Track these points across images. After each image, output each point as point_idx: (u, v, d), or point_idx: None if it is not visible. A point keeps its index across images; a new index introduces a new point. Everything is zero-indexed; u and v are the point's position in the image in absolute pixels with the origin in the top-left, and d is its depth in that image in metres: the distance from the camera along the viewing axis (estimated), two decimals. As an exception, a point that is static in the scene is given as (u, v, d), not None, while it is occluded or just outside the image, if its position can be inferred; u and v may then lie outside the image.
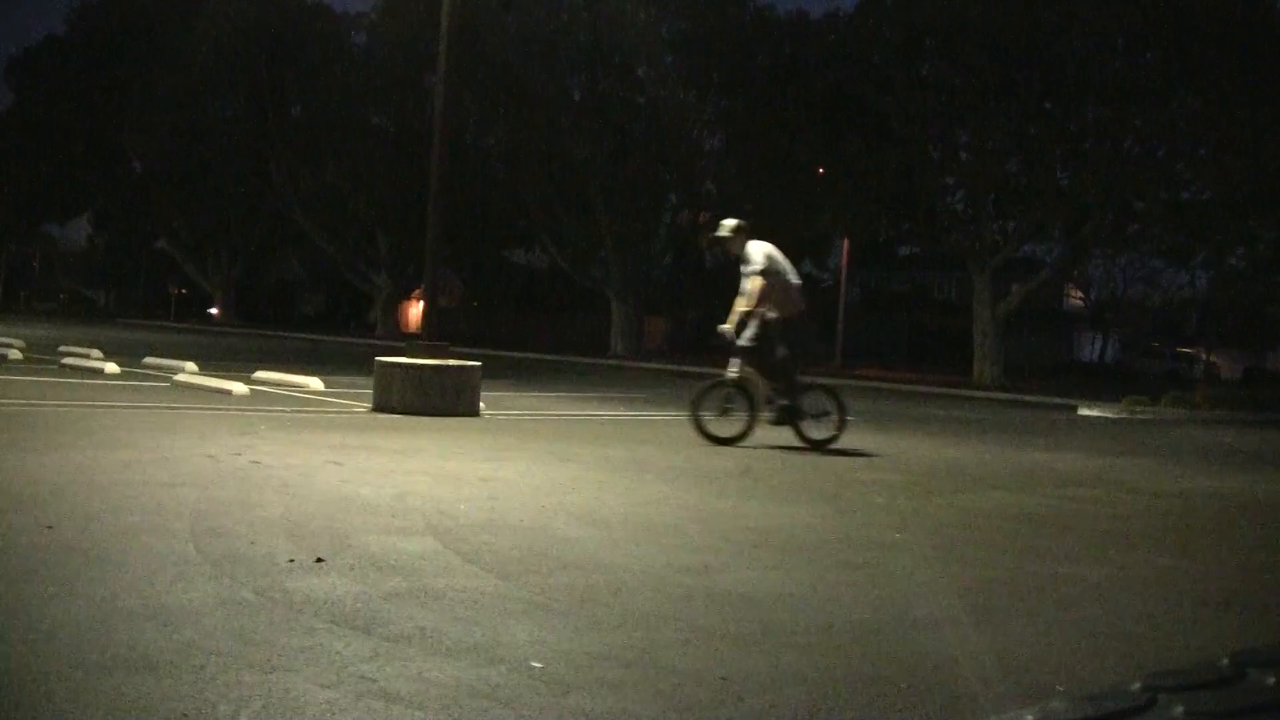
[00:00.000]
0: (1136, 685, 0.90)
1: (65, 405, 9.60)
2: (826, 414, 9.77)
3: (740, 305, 9.54)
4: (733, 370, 9.55)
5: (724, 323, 9.67)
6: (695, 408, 9.61)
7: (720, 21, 34.44)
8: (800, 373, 9.86)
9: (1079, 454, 11.55)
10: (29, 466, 5.96)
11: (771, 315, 9.46)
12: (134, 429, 8.03)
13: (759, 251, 9.59)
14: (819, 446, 9.55)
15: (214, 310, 52.88)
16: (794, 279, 9.75)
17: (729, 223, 9.98)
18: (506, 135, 38.75)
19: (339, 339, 37.12)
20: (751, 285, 9.49)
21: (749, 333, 9.49)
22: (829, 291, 50.03)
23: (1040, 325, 49.23)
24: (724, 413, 9.62)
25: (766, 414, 9.60)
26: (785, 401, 9.55)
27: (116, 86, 45.02)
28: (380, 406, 10.81)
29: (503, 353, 30.78)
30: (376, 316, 47.60)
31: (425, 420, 10.09)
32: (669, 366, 30.30)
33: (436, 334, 11.57)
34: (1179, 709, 0.85)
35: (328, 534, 4.67)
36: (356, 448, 7.70)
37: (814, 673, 3.19)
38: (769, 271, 9.47)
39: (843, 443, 9.72)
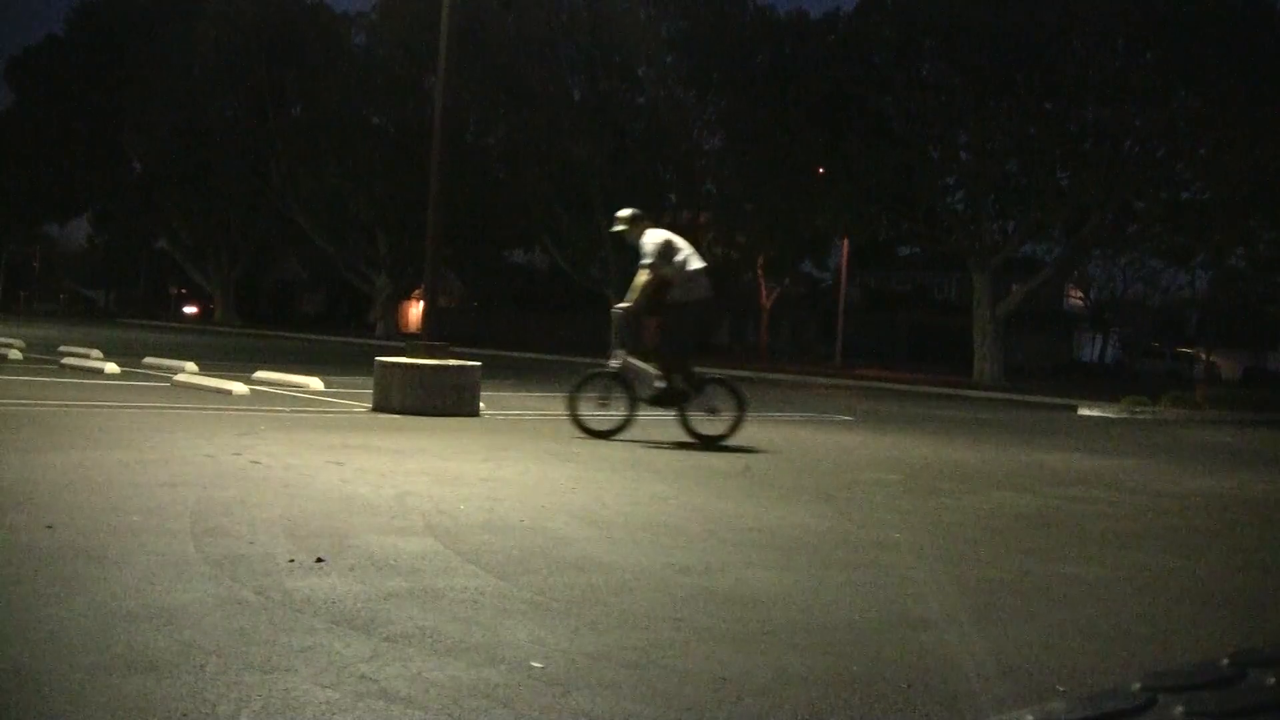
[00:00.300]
0: (1136, 685, 0.89)
1: (65, 405, 9.60)
2: (718, 411, 9.44)
3: (629, 298, 9.31)
4: (615, 361, 9.40)
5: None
6: (573, 402, 9.41)
7: (720, 21, 34.46)
8: (691, 363, 9.56)
9: (1079, 454, 11.55)
10: (29, 466, 5.96)
11: (683, 300, 9.25)
12: (134, 429, 8.03)
13: (652, 241, 9.32)
14: (709, 443, 9.29)
15: (193, 309, 52.85)
16: (696, 264, 9.38)
17: (624, 213, 9.70)
18: (506, 135, 38.79)
19: (339, 339, 37.12)
20: (637, 279, 9.29)
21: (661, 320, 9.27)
22: (829, 291, 50.06)
23: (1040, 325, 49.27)
24: (603, 405, 9.46)
25: (644, 394, 9.33)
26: (663, 384, 9.26)
27: (116, 86, 45.06)
28: (380, 406, 10.81)
29: (503, 353, 30.79)
30: (376, 316, 47.63)
31: (425, 420, 10.09)
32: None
33: (436, 334, 11.57)
34: (1179, 709, 0.85)
35: (328, 534, 4.67)
36: (356, 448, 7.70)
37: (814, 673, 3.19)
38: (656, 265, 9.22)
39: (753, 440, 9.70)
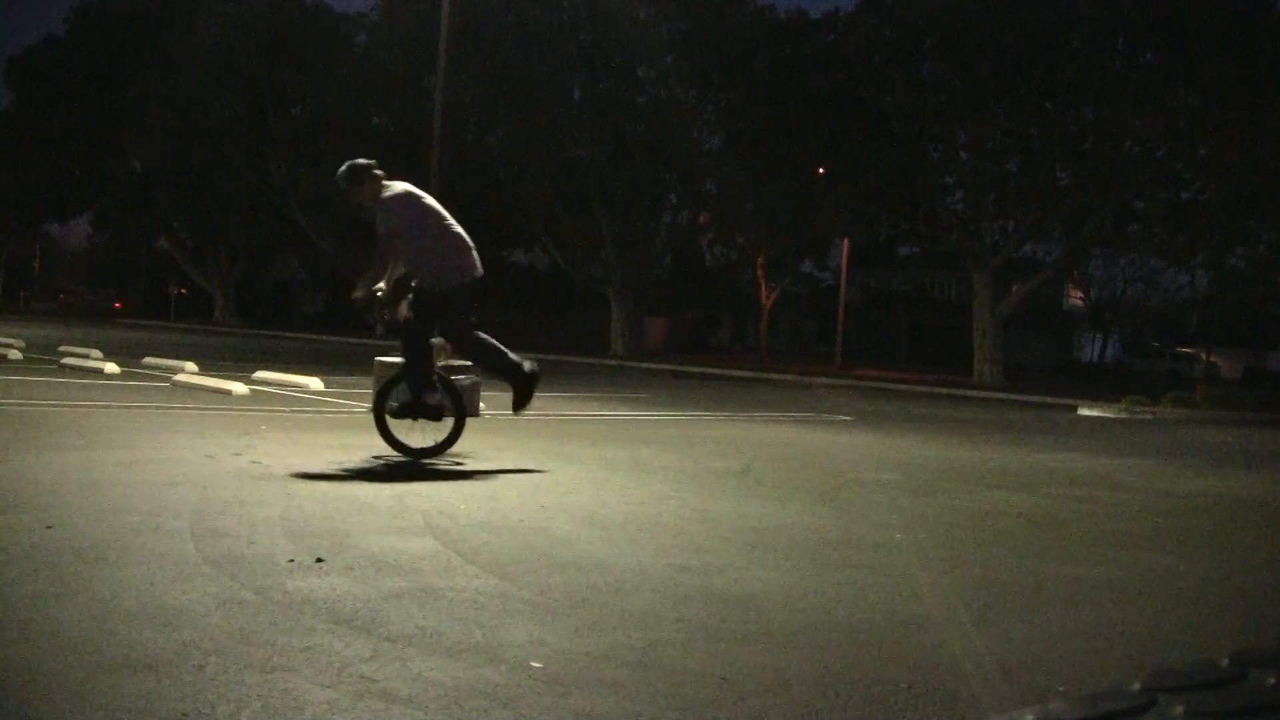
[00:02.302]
0: (1136, 685, 0.89)
1: (65, 405, 9.59)
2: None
3: (374, 275, 7.32)
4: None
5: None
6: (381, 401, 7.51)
7: (720, 21, 34.46)
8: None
9: (1079, 454, 11.55)
10: (29, 466, 5.96)
11: (424, 284, 7.33)
12: (134, 429, 8.02)
13: (394, 200, 7.14)
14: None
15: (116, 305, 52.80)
16: (455, 230, 7.36)
17: (353, 165, 7.21)
18: (507, 135, 38.77)
19: (339, 339, 37.10)
20: (379, 250, 7.25)
21: (404, 308, 7.40)
22: (829, 291, 50.05)
23: (1040, 325, 49.26)
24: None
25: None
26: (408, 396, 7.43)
27: (116, 86, 45.02)
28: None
29: (503, 353, 30.70)
30: (376, 317, 47.49)
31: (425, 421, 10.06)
32: (669, 366, 30.29)
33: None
34: (1179, 709, 0.85)
35: (328, 534, 4.67)
36: (356, 448, 7.70)
37: (814, 673, 3.19)
38: (395, 231, 7.11)
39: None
